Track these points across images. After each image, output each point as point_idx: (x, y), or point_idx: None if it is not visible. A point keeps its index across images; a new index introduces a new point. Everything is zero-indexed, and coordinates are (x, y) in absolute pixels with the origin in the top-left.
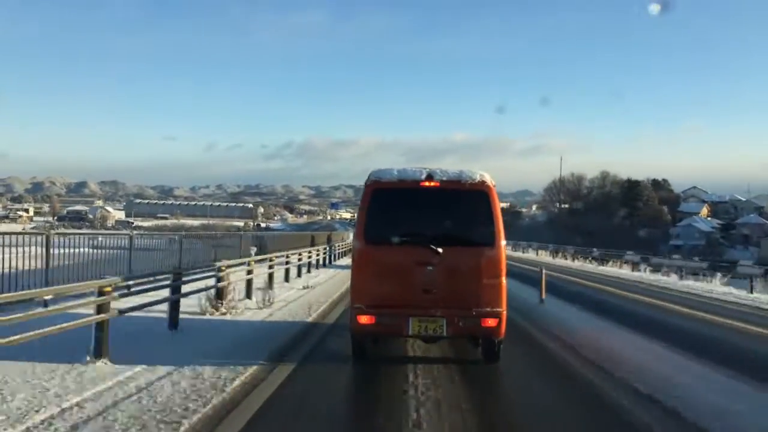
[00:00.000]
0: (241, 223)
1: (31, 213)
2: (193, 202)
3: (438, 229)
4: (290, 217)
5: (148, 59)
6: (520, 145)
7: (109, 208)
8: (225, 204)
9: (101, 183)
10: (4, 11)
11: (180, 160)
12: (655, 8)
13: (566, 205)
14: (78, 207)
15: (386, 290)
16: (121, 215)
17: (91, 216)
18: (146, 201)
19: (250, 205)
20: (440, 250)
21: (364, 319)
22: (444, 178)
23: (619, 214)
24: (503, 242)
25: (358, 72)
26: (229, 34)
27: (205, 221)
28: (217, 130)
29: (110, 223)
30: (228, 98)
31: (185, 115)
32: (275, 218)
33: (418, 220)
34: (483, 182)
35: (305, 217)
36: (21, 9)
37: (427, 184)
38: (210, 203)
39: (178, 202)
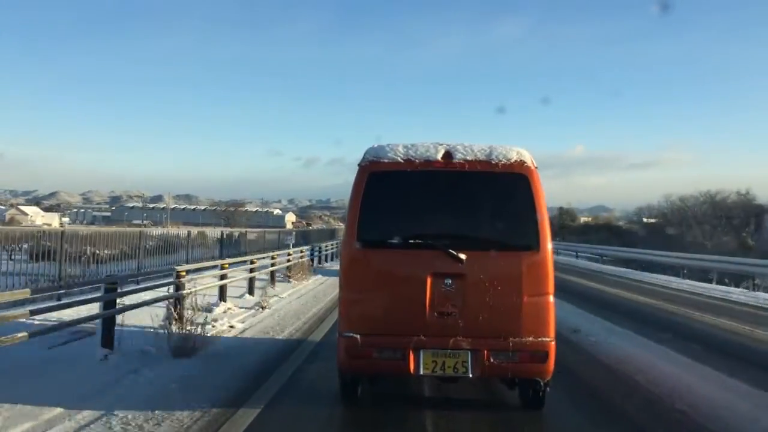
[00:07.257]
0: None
1: None
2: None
3: (459, 227)
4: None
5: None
6: (632, 159)
7: (26, 209)
8: (214, 209)
9: (176, 197)
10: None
11: (257, 174)
12: None
13: None
14: None
15: (387, 312)
16: (53, 218)
17: None
18: (140, 206)
19: (278, 212)
20: (463, 256)
21: (355, 353)
22: (468, 157)
23: None
24: (550, 245)
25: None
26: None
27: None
28: (314, 145)
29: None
30: (329, 112)
31: (286, 129)
32: (309, 226)
33: (432, 215)
34: (522, 162)
35: None
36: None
37: (444, 165)
38: (204, 208)
39: (172, 207)
